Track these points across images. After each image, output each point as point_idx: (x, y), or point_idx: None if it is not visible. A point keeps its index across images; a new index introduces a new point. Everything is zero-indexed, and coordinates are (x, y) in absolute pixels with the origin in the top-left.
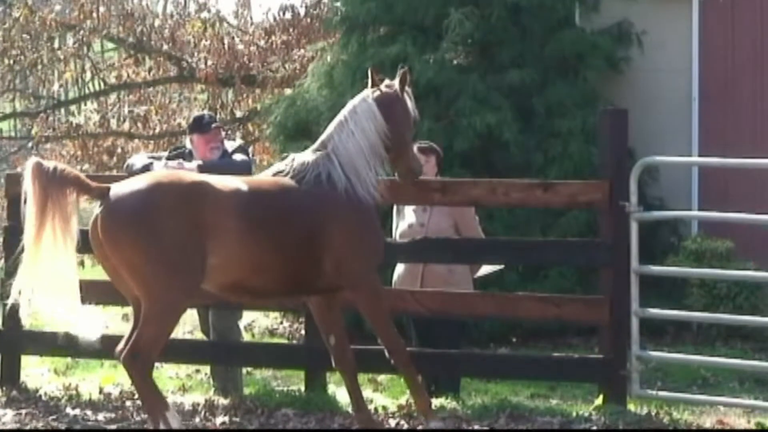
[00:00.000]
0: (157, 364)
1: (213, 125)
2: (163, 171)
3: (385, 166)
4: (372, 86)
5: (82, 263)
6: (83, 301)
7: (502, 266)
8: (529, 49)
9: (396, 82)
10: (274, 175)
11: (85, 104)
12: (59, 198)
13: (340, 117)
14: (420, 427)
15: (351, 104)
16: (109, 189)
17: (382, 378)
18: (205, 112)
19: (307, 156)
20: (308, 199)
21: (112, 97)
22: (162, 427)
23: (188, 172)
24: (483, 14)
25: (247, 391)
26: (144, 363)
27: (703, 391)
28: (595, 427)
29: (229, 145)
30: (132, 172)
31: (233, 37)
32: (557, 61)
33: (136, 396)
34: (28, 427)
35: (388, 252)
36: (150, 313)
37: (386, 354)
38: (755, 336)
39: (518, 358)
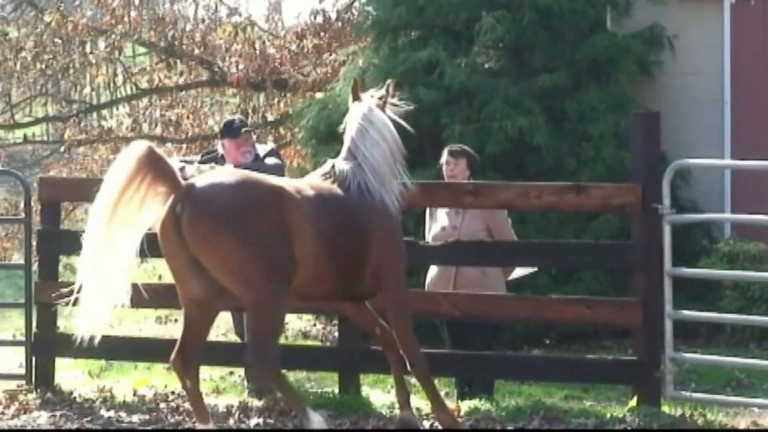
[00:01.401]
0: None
1: (243, 130)
2: (237, 170)
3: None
4: (354, 100)
5: None
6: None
7: (535, 269)
8: (560, 53)
9: (381, 93)
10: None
11: (117, 108)
12: (148, 186)
13: (356, 125)
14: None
15: (359, 112)
16: (192, 185)
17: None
18: (236, 116)
19: (343, 164)
20: (359, 208)
21: (144, 101)
22: (312, 426)
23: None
24: (514, 18)
25: (279, 394)
26: (272, 362)
27: (737, 393)
28: (629, 429)
29: (261, 149)
30: None
31: (264, 42)
32: (589, 64)
33: (170, 398)
34: (63, 428)
35: (422, 255)
36: (257, 308)
37: (407, 365)
38: None
39: (552, 360)
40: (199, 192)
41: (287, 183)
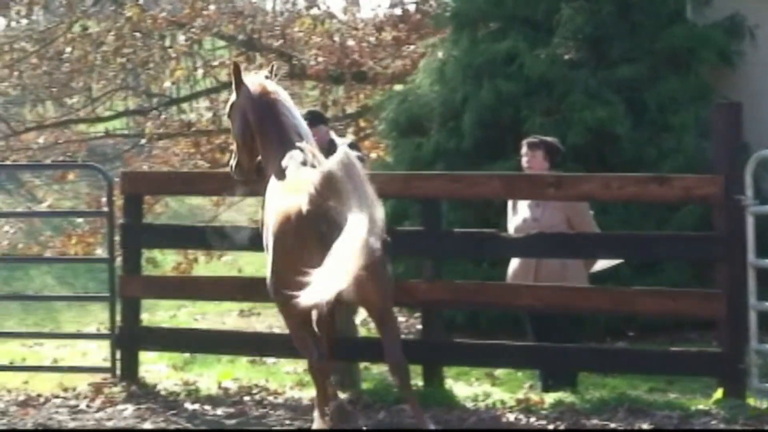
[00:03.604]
0: (273, 360)
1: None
2: None
3: None
4: (236, 84)
5: (195, 260)
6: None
7: (620, 261)
8: (639, 44)
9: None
10: None
11: (197, 102)
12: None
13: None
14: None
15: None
16: None
17: (499, 372)
18: (309, 108)
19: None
20: None
21: (224, 94)
22: None
23: None
24: (593, 9)
25: (364, 386)
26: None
27: None
28: (714, 422)
29: (340, 142)
30: None
31: (343, 34)
32: (668, 55)
33: (254, 391)
34: (148, 422)
35: (503, 247)
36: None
37: None
38: None
39: (635, 352)
40: None
41: None
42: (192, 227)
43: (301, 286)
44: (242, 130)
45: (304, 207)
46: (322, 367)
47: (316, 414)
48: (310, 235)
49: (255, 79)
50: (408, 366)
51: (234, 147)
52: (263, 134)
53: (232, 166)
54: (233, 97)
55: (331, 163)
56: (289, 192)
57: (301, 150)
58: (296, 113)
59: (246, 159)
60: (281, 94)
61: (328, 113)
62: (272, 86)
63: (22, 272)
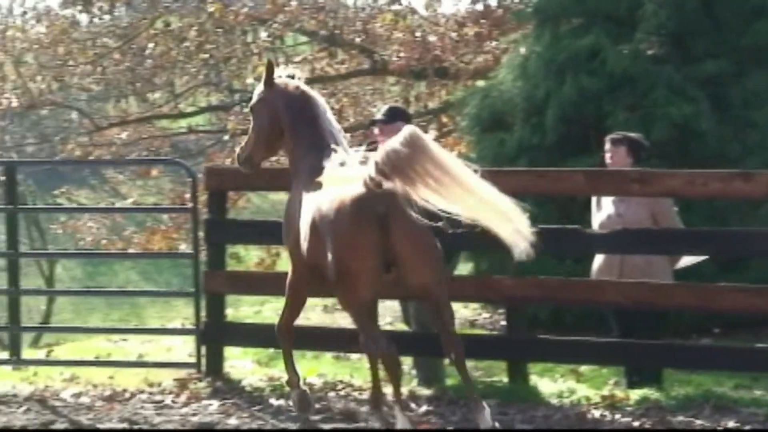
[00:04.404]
0: (358, 356)
1: (370, 121)
2: None
3: None
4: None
5: (278, 255)
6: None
7: (704, 257)
8: (723, 40)
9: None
10: None
11: None
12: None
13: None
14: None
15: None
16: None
17: (584, 369)
18: (389, 104)
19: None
20: None
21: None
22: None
23: None
24: (677, 4)
25: (449, 382)
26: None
27: None
28: None
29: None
30: None
31: (425, 30)
32: (753, 50)
33: (339, 387)
34: (233, 417)
35: (587, 243)
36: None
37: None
38: None
39: (721, 348)
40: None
41: None
42: (275, 222)
43: (365, 272)
44: (269, 125)
45: (360, 189)
46: (394, 356)
47: (397, 412)
48: (367, 217)
49: (289, 80)
50: (463, 352)
51: (249, 139)
52: (295, 133)
53: (240, 157)
54: (261, 92)
55: (395, 140)
56: (338, 183)
57: (336, 152)
58: (331, 117)
59: (260, 153)
60: (317, 96)
61: (410, 109)
62: (308, 88)
63: (106, 268)
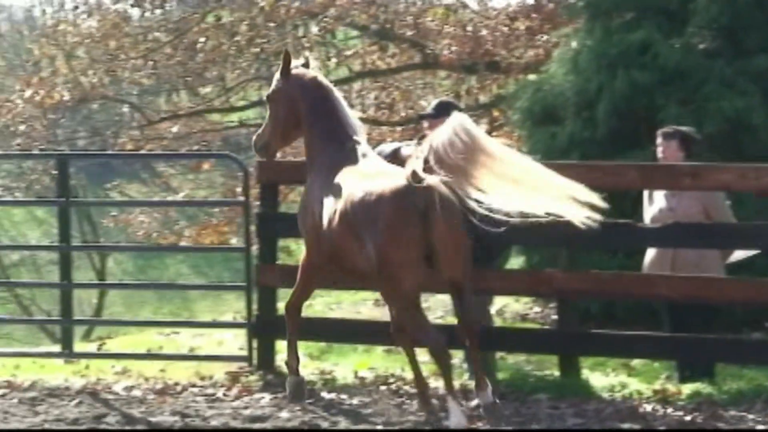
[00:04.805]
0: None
1: (419, 115)
2: None
3: None
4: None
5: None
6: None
7: (756, 251)
8: None
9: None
10: None
11: None
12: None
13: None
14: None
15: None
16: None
17: (635, 363)
18: (440, 99)
19: None
20: None
21: (357, 84)
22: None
23: None
24: None
25: (500, 376)
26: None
27: None
28: None
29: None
30: (382, 159)
31: (476, 24)
32: None
33: (390, 381)
34: (284, 410)
35: (639, 237)
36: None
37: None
38: None
39: None
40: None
41: None
42: None
43: (409, 263)
44: (284, 115)
45: (403, 183)
46: (443, 347)
47: (451, 404)
48: (411, 211)
49: (306, 70)
50: (479, 342)
51: (266, 128)
52: (312, 124)
53: (257, 144)
54: (278, 81)
55: (442, 134)
56: (372, 176)
57: (360, 144)
58: (348, 108)
59: (276, 142)
60: (334, 88)
61: (462, 103)
62: (324, 78)
63: (157, 261)
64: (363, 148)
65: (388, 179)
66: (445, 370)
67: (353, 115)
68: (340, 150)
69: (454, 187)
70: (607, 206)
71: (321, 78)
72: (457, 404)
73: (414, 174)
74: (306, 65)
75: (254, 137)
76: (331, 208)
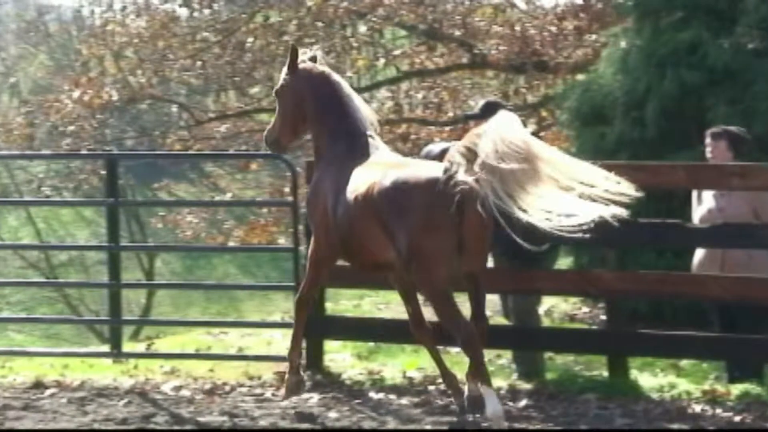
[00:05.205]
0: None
1: (466, 115)
2: None
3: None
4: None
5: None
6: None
7: None
8: None
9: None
10: None
11: (378, 91)
12: None
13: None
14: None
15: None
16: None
17: (684, 363)
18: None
19: None
20: None
21: (405, 83)
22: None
23: None
24: None
25: (548, 376)
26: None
27: None
28: None
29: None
30: (431, 158)
31: (524, 23)
32: None
33: (439, 381)
34: (333, 410)
35: (688, 237)
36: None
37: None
38: None
39: None
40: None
41: None
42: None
43: (441, 252)
44: (292, 110)
45: (439, 174)
46: (474, 336)
47: (487, 393)
48: (446, 202)
49: (314, 65)
50: (485, 338)
51: (276, 123)
52: (321, 118)
53: (268, 139)
54: (285, 76)
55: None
56: (397, 166)
57: (372, 137)
58: (360, 102)
59: (286, 137)
60: (342, 81)
61: (510, 103)
62: (332, 72)
63: (204, 261)
64: (376, 142)
65: (423, 169)
66: (477, 359)
67: (366, 110)
68: (353, 144)
69: (496, 188)
70: (640, 195)
71: (329, 72)
72: (492, 393)
73: (448, 170)
74: (314, 59)
75: (265, 132)
76: (350, 199)
